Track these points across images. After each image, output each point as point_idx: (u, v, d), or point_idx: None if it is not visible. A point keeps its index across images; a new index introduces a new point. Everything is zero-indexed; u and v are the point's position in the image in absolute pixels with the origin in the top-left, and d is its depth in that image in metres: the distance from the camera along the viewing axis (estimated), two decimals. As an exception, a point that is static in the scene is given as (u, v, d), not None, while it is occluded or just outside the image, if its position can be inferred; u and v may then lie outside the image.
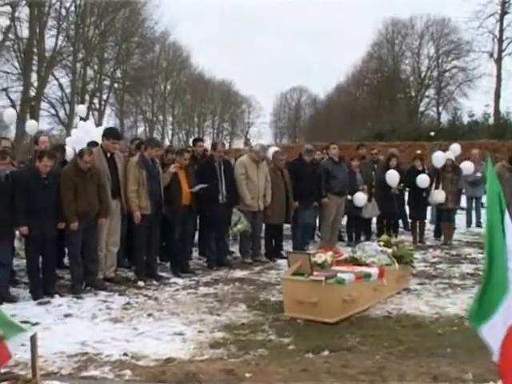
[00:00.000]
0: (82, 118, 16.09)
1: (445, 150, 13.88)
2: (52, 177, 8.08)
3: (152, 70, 56.31)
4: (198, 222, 10.82)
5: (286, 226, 12.22)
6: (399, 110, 54.41)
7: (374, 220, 13.42)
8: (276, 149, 12.84)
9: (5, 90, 38.96)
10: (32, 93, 40.69)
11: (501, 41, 46.80)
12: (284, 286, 7.43)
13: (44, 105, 44.38)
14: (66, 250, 9.18)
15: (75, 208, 8.20)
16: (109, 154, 8.97)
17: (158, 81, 59.82)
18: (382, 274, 7.73)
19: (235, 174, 10.65)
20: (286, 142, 65.69)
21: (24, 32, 39.43)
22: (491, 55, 47.41)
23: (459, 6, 54.63)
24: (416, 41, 55.71)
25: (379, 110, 55.08)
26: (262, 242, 11.34)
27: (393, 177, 12.43)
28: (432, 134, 21.48)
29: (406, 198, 13.42)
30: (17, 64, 40.27)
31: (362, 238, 12.59)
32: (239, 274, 9.88)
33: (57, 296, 8.06)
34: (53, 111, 46.18)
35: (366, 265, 7.87)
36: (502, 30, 46.66)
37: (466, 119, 44.30)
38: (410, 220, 13.58)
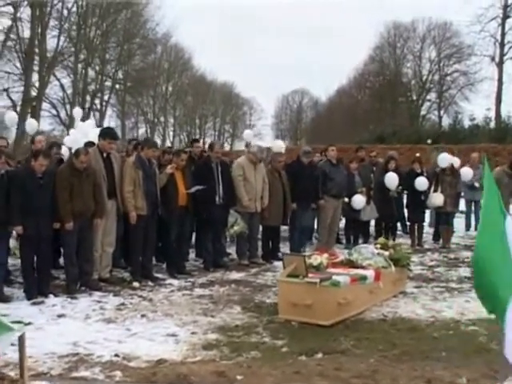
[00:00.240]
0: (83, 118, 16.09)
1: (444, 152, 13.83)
2: (47, 176, 8.04)
3: (153, 71, 56.30)
4: (195, 223, 10.77)
5: (284, 227, 12.18)
6: (401, 114, 54.40)
7: (373, 223, 13.37)
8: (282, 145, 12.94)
9: (6, 90, 38.92)
10: (33, 93, 40.65)
11: (502, 45, 46.75)
12: (279, 288, 7.40)
13: (45, 105, 44.41)
14: (62, 250, 9.14)
15: (70, 208, 8.16)
16: (105, 154, 8.92)
17: (160, 82, 59.80)
18: (378, 277, 7.69)
19: (233, 175, 10.60)
20: (288, 145, 65.56)
21: (26, 32, 39.46)
22: (493, 59, 47.36)
23: (460, 10, 54.64)
24: (418, 44, 55.71)
25: (381, 113, 55.08)
26: (259, 243, 11.31)
27: (392, 179, 12.37)
28: (429, 141, 21.43)
29: (405, 200, 13.35)
30: (18, 64, 40.27)
31: (360, 241, 12.55)
32: (235, 275, 9.83)
33: (51, 296, 8.02)
34: (54, 112, 46.18)
35: (363, 267, 7.82)
36: (503, 34, 46.59)
37: (467, 123, 44.32)
38: (408, 223, 13.52)
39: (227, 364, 5.47)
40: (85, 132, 11.66)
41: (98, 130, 10.16)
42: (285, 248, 11.76)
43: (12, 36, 38.73)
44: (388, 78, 57.04)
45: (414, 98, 56.10)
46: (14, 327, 4.28)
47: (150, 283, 9.04)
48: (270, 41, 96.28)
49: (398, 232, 13.92)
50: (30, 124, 14.26)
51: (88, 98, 48.32)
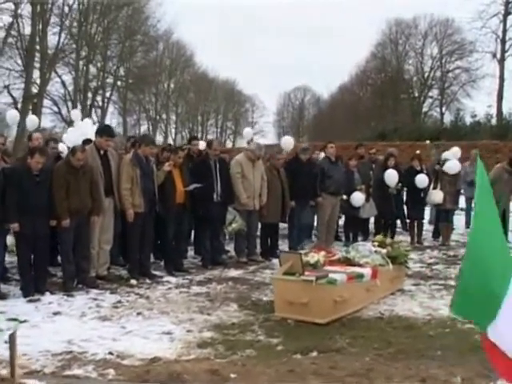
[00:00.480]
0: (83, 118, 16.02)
1: (444, 150, 13.77)
2: (44, 174, 8.01)
3: (155, 68, 56.22)
4: (193, 220, 10.75)
5: (284, 225, 12.16)
6: (402, 111, 54.25)
7: (372, 220, 13.34)
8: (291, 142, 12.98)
9: (6, 87, 38.92)
10: (34, 90, 40.61)
11: (504, 41, 46.54)
12: (275, 286, 7.37)
13: (46, 102, 44.38)
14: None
15: (67, 205, 8.14)
16: (102, 152, 8.90)
17: (162, 79, 59.67)
18: (375, 275, 7.66)
19: (231, 172, 10.57)
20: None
21: (26, 29, 39.43)
22: (494, 56, 47.20)
23: (462, 6, 54.37)
24: (419, 41, 55.50)
25: (382, 109, 54.96)
26: (258, 241, 11.29)
27: (391, 176, 12.33)
28: (427, 142, 21.39)
29: (405, 197, 13.31)
30: (19, 61, 40.23)
31: (360, 238, 12.51)
32: (233, 273, 9.82)
33: (47, 293, 8.00)
34: (55, 109, 46.17)
35: (360, 265, 7.80)
36: (505, 31, 46.36)
37: (468, 120, 44.17)
38: (407, 220, 13.47)
39: (221, 362, 5.45)
40: (83, 130, 11.63)
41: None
42: (284, 245, 11.75)
43: (13, 33, 38.69)
44: (390, 74, 56.85)
45: (416, 94, 55.92)
46: (5, 325, 4.26)
47: (147, 281, 9.03)
48: (271, 40, 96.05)
49: (398, 229, 13.87)
50: (31, 120, 14.20)
51: (89, 94, 48.27)
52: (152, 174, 9.28)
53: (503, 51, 46.66)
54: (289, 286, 7.01)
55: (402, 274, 8.68)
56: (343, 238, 13.17)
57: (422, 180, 12.30)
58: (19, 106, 38.46)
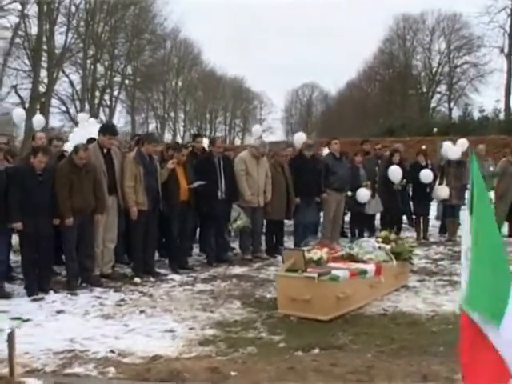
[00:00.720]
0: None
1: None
2: (47, 173, 8.02)
3: (163, 66, 56.28)
4: (198, 218, 10.74)
5: (290, 222, 12.15)
6: (411, 106, 54.15)
7: (378, 216, 13.30)
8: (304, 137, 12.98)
9: (14, 87, 39.04)
10: (42, 90, 40.74)
11: (511, 36, 46.34)
12: (278, 283, 7.36)
13: (54, 102, 44.53)
14: (64, 247, 9.14)
15: (70, 204, 8.15)
16: (105, 150, 8.91)
17: (169, 77, 59.73)
18: (378, 271, 7.63)
19: (235, 169, 10.56)
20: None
21: (33, 29, 39.57)
22: (502, 50, 47.00)
23: (469, 0, 54.03)
24: (427, 36, 55.36)
25: (391, 105, 54.87)
26: (264, 238, 11.28)
27: (395, 172, 12.30)
28: (435, 129, 21.30)
29: (411, 193, 13.26)
30: (26, 61, 40.35)
31: (366, 235, 12.46)
32: (238, 270, 9.81)
33: (51, 292, 8.02)
34: (64, 108, 46.28)
35: (363, 261, 7.77)
36: (512, 25, 46.24)
37: (476, 115, 44.04)
38: (414, 216, 13.42)
39: (222, 360, 5.44)
40: (89, 129, 11.66)
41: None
42: (289, 242, 11.74)
43: (20, 33, 38.80)
44: (398, 70, 56.74)
45: (424, 90, 55.81)
46: (7, 324, 4.27)
47: (151, 279, 9.03)
48: (279, 37, 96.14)
49: (404, 225, 13.83)
50: (38, 120, 14.24)
51: (97, 93, 48.38)
52: (155, 172, 9.28)
53: (511, 46, 46.42)
54: (291, 283, 6.99)
55: (406, 270, 8.64)
56: (349, 235, 13.13)
57: (426, 175, 12.25)
58: (27, 105, 38.59)
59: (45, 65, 41.00)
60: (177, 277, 9.21)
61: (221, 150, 10.55)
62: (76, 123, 40.46)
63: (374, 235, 11.82)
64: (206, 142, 11.74)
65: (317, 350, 5.72)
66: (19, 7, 37.56)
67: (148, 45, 51.99)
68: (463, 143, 13.04)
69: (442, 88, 55.69)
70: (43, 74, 40.99)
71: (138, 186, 9.01)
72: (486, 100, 59.49)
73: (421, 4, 60.79)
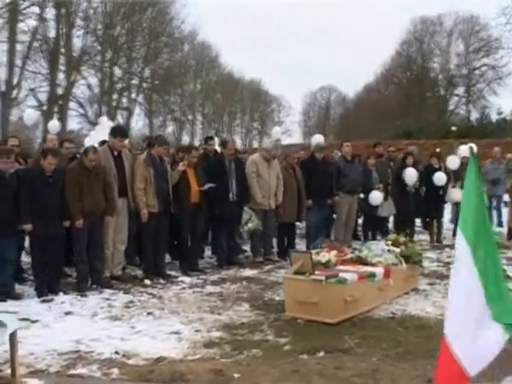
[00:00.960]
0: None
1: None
2: (57, 175, 8.08)
3: (181, 69, 56.36)
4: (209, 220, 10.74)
5: (303, 224, 12.13)
6: (428, 109, 53.74)
7: (391, 219, 13.23)
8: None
9: (32, 90, 39.32)
10: (60, 92, 41.00)
11: (529, 38, 45.89)
12: (285, 286, 7.34)
13: (73, 105, 44.70)
14: (74, 248, 9.18)
15: (80, 206, 8.20)
16: (116, 152, 8.94)
17: (187, 80, 59.82)
18: (387, 274, 7.59)
19: (246, 172, 10.56)
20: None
21: (51, 32, 39.84)
22: (519, 52, 46.56)
23: (486, 1, 53.45)
24: (445, 39, 54.90)
25: (408, 108, 54.55)
26: (275, 240, 11.26)
27: (411, 174, 12.24)
28: (453, 128, 21.14)
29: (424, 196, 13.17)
30: (45, 64, 40.64)
31: (379, 237, 12.40)
32: (248, 272, 9.81)
33: (61, 294, 8.06)
34: (81, 111, 46.51)
35: (372, 264, 7.73)
36: (530, 27, 45.70)
37: (494, 117, 43.70)
38: (427, 219, 13.33)
39: (226, 362, 5.43)
40: (104, 132, 11.71)
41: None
42: (302, 245, 11.70)
43: (38, 36, 39.08)
44: (415, 73, 56.43)
45: (442, 92, 55.42)
46: (16, 325, 4.31)
47: (161, 281, 9.05)
48: (295, 40, 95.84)
49: (418, 228, 13.75)
50: (53, 125, 14.32)
51: (115, 96, 48.58)
52: (166, 174, 9.30)
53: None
54: (299, 286, 6.97)
55: (416, 273, 8.58)
56: (362, 237, 13.08)
57: (439, 178, 12.18)
58: (44, 108, 38.87)
59: (63, 68, 41.27)
60: (187, 279, 9.22)
61: (232, 152, 10.55)
62: (94, 126, 40.87)
63: (386, 238, 11.80)
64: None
65: (322, 353, 5.69)
66: (37, 11, 37.88)
67: (165, 47, 52.02)
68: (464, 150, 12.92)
69: (460, 90, 55.29)
70: (61, 76, 41.29)
71: (149, 188, 9.04)
72: (505, 102, 58.81)
73: (438, 6, 60.38)
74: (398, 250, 8.14)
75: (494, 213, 15.06)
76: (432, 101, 55.29)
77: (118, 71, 48.36)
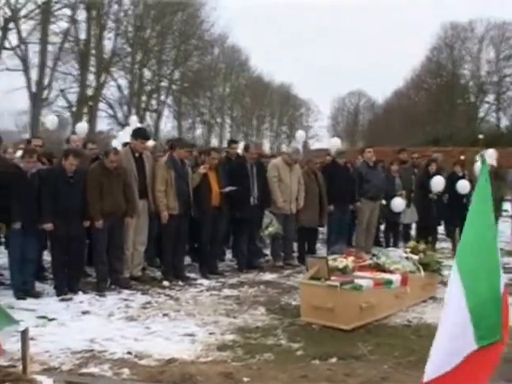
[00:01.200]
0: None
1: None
2: (78, 175, 8.18)
3: (210, 72, 56.55)
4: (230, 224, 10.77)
5: (324, 230, 12.11)
6: (458, 116, 53.27)
7: (414, 226, 13.14)
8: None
9: (62, 91, 39.81)
10: (90, 94, 41.45)
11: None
12: (301, 291, 7.34)
13: (102, 106, 45.17)
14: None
15: (100, 207, 8.29)
16: (137, 154, 9.01)
17: (217, 83, 60.01)
18: (405, 282, 7.54)
19: (268, 176, 10.57)
20: (344, 146, 64.80)
21: (82, 34, 40.30)
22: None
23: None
24: (475, 45, 54.35)
25: (438, 114, 54.06)
26: (295, 245, 11.26)
27: (437, 182, 12.15)
28: (480, 136, 20.98)
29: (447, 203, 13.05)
30: (75, 65, 41.11)
31: (401, 244, 12.32)
32: (268, 277, 9.81)
33: (80, 293, 8.15)
34: (111, 112, 46.91)
35: (390, 271, 7.69)
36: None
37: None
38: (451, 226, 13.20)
39: (237, 365, 5.45)
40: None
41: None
42: (323, 250, 11.68)
43: (69, 38, 39.56)
44: (445, 79, 55.90)
45: (472, 99, 54.84)
46: (17, 321, 4.38)
47: (180, 283, 9.10)
48: (325, 43, 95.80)
49: (442, 236, 13.63)
50: (81, 127, 14.48)
51: (144, 98, 48.93)
52: (187, 177, 9.35)
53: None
54: (314, 291, 6.97)
55: (434, 282, 8.50)
56: (384, 244, 12.99)
57: (463, 186, 12.07)
58: (74, 109, 39.36)
59: (93, 69, 41.73)
60: (205, 281, 9.26)
61: (254, 156, 10.58)
62: (123, 126, 41.21)
63: (409, 245, 11.74)
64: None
65: (334, 359, 5.69)
66: (69, 13, 38.37)
67: (195, 50, 52.23)
68: (490, 154, 12.74)
69: (490, 98, 54.63)
70: (91, 78, 41.75)
71: (169, 190, 9.10)
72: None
73: (469, 12, 59.90)
74: (416, 257, 8.10)
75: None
76: (462, 107, 54.78)
77: (147, 73, 48.72)
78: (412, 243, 8.66)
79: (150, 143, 10.35)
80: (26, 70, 36.79)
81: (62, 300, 7.87)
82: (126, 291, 8.43)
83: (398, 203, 12.07)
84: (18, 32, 36.07)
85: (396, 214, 12.29)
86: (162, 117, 51.99)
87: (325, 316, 6.80)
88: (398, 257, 7.99)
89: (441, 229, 13.59)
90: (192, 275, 9.63)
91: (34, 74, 37.20)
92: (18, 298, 7.80)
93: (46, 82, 37.91)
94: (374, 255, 8.42)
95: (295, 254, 11.17)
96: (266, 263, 10.99)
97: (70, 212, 8.04)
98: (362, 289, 6.80)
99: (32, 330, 5.93)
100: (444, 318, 3.23)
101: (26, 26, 36.44)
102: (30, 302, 7.68)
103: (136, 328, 6.67)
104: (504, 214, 14.14)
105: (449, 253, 12.13)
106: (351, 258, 7.66)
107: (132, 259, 9.08)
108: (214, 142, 55.68)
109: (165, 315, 7.21)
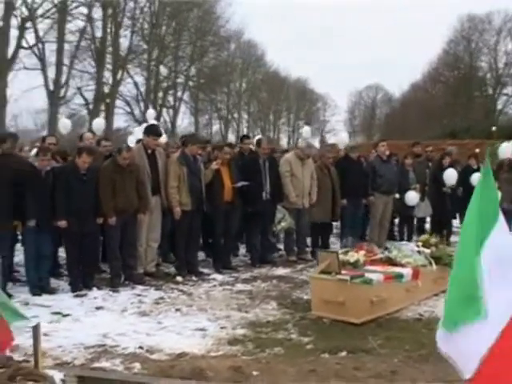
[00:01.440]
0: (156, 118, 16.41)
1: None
2: (91, 173, 8.27)
3: (226, 67, 56.58)
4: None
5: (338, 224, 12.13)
6: (476, 108, 52.87)
7: (428, 219, 13.11)
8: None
9: (79, 88, 40.07)
10: (106, 91, 41.67)
11: None
12: (312, 285, 7.37)
13: (119, 103, 45.39)
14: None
15: (113, 204, 8.37)
16: (150, 151, 9.08)
17: (233, 78, 60.02)
18: (416, 275, 7.55)
19: (280, 170, 10.60)
20: (362, 140, 64.63)
21: (99, 32, 40.51)
22: None
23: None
24: (493, 37, 53.86)
25: (455, 107, 53.68)
26: (309, 239, 11.28)
27: (450, 176, 12.11)
28: (493, 128, 20.85)
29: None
30: (92, 63, 41.32)
31: (415, 238, 12.29)
32: (281, 271, 9.86)
33: (95, 289, 8.24)
34: (128, 109, 47.12)
35: (401, 265, 7.69)
36: None
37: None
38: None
39: (246, 359, 5.49)
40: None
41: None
42: (337, 244, 11.69)
43: (86, 36, 39.79)
44: (463, 72, 55.49)
45: (490, 92, 54.42)
46: (27, 316, 4.45)
47: (193, 278, 9.17)
48: (342, 38, 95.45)
49: (457, 229, 13.56)
50: (98, 123, 14.54)
51: (160, 94, 49.09)
52: (199, 173, 9.41)
53: None
54: (325, 285, 6.99)
55: (446, 275, 8.39)
56: (398, 238, 12.99)
57: (477, 179, 11.98)
58: (91, 106, 39.59)
59: (109, 67, 41.93)
60: (219, 276, 9.32)
61: (266, 151, 10.61)
62: (140, 123, 41.33)
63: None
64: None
65: (344, 353, 5.71)
66: (85, 11, 38.58)
67: (211, 46, 52.27)
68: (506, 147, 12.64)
69: (509, 90, 54.11)
70: (107, 75, 41.96)
71: (182, 186, 9.16)
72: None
73: (487, 4, 59.24)
74: (428, 251, 8.09)
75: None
76: (480, 100, 54.38)
77: (163, 70, 48.90)
78: (424, 237, 8.65)
79: (163, 140, 10.42)
80: (43, 68, 37.03)
81: (77, 296, 7.96)
82: (140, 287, 8.50)
83: (412, 197, 12.06)
84: (35, 31, 36.30)
85: (410, 207, 12.27)
86: (178, 113, 52.21)
87: (335, 310, 6.82)
88: (409, 251, 8.01)
89: (456, 222, 13.53)
90: (206, 270, 9.70)
91: (51, 72, 37.47)
92: (34, 294, 7.90)
93: (63, 80, 38.13)
94: (386, 249, 8.45)
95: (308, 249, 11.19)
96: (279, 258, 11.03)
97: (83, 209, 8.12)
98: (372, 283, 6.82)
99: (47, 326, 6.06)
100: None
101: (42, 25, 36.70)
102: (45, 298, 7.78)
103: (148, 323, 6.74)
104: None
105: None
106: (362, 252, 7.68)
107: (145, 255, 9.15)
108: (231, 138, 55.69)
109: (177, 310, 7.28)
